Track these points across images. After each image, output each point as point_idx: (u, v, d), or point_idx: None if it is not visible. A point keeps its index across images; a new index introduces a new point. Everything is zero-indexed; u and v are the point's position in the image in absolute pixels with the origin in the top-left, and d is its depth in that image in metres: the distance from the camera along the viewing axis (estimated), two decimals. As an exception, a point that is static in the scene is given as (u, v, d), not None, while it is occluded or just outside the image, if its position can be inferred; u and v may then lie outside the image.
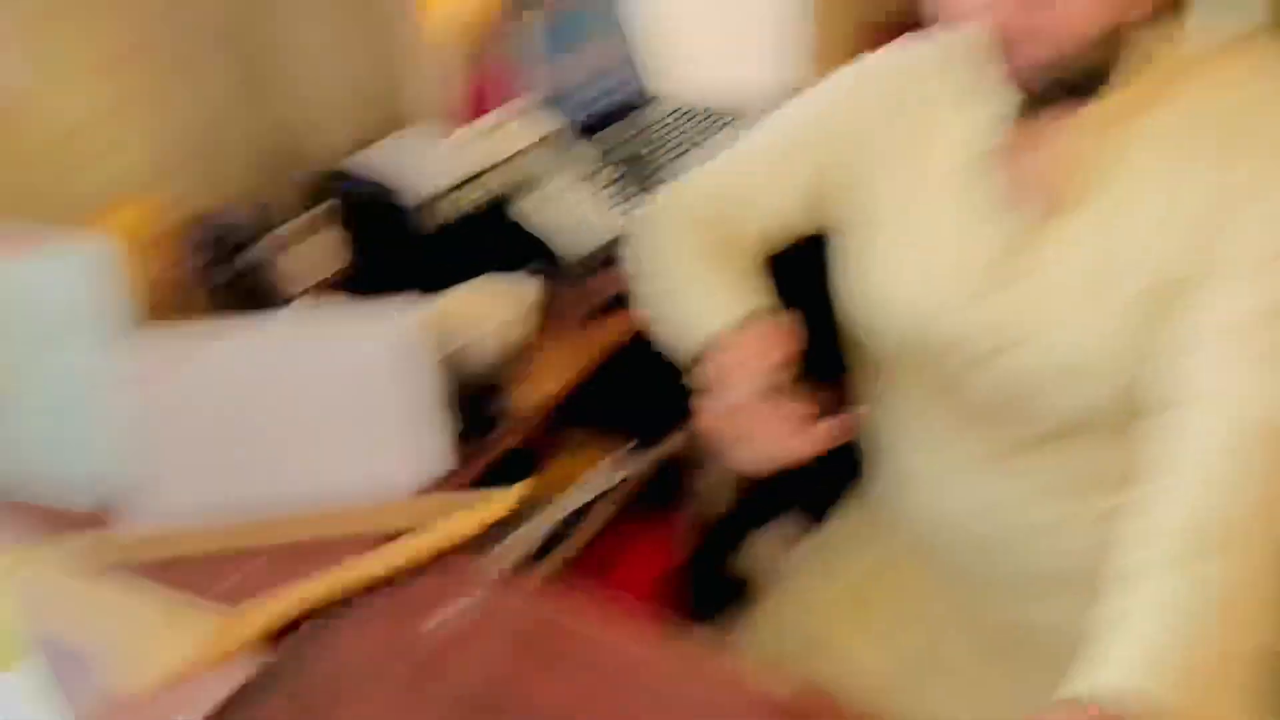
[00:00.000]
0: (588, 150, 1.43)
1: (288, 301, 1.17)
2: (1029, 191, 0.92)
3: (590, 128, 1.51)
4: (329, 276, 1.24)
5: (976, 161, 0.95)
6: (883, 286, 1.01)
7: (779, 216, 1.06)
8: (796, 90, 1.09)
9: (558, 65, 1.46)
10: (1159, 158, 0.87)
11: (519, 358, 1.09)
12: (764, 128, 1.09)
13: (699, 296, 0.98)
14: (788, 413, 0.86)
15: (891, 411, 1.11)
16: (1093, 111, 0.88)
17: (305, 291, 1.20)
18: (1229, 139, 0.85)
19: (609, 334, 1.21)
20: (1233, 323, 0.82)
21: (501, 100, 1.43)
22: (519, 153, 1.27)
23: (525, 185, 1.25)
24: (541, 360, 1.14)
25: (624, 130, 1.54)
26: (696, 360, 0.94)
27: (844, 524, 1.22)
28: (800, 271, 1.08)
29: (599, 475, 1.31)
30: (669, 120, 1.60)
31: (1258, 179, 0.83)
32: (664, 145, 1.52)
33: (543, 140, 1.30)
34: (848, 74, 1.05)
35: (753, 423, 0.87)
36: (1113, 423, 0.93)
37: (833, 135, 1.03)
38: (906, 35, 1.03)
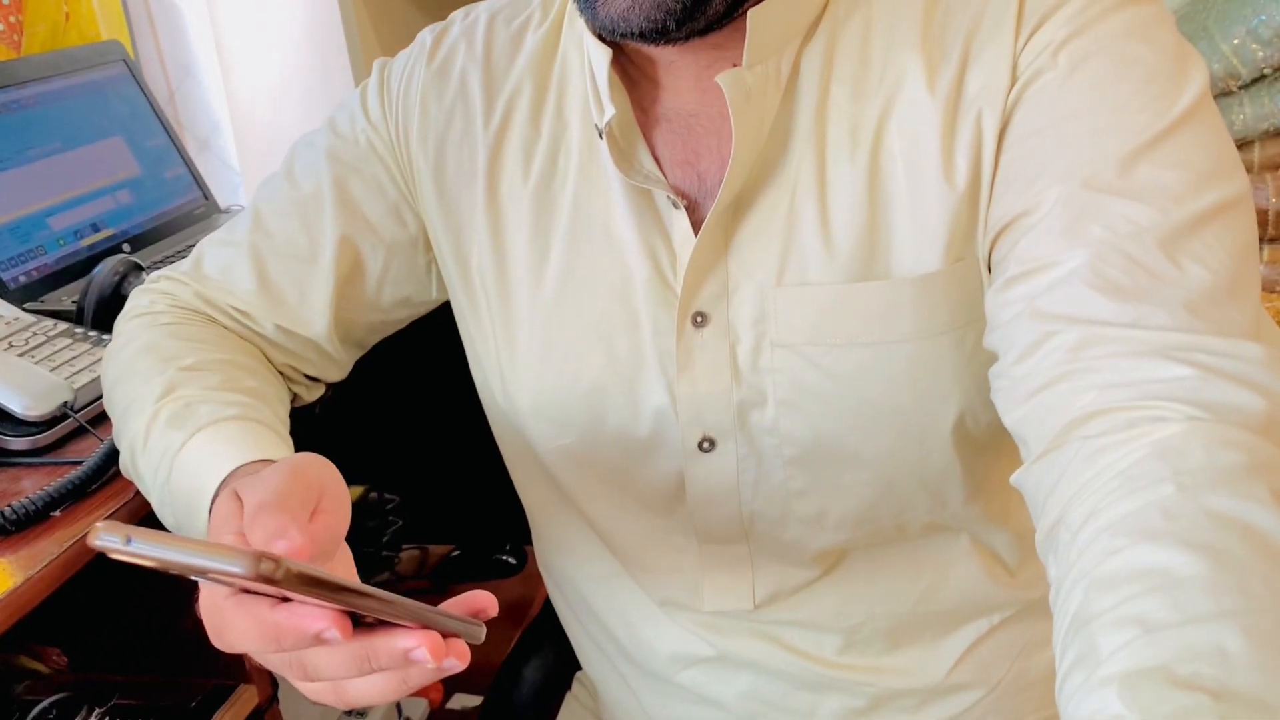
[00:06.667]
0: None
1: None
2: (690, 177, 0.62)
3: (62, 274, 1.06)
4: None
5: (605, 152, 0.62)
6: (530, 368, 0.68)
7: (315, 302, 0.70)
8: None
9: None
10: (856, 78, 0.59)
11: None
12: (280, 180, 0.73)
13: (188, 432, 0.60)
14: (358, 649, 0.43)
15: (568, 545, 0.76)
16: (759, 28, 0.56)
17: None
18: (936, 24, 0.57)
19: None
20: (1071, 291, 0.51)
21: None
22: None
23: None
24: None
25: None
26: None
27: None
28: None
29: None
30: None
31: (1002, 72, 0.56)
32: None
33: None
34: (372, 88, 0.71)
35: (293, 645, 0.43)
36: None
37: (376, 170, 0.71)
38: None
